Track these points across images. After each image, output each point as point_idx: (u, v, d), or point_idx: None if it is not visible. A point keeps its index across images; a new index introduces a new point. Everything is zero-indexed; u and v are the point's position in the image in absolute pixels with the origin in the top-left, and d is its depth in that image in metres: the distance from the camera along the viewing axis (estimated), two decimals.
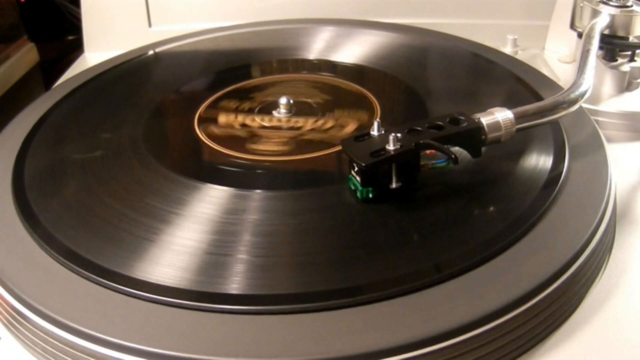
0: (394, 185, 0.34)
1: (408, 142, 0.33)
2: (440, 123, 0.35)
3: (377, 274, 0.30)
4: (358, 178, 0.34)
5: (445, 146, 0.33)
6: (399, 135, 0.34)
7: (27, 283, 0.30)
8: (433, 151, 0.34)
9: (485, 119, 0.35)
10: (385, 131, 0.34)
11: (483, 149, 0.35)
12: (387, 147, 0.33)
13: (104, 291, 0.30)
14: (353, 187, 0.34)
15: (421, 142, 0.33)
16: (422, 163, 0.34)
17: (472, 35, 0.57)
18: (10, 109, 0.51)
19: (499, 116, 0.35)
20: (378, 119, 0.37)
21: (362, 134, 0.35)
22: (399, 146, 0.33)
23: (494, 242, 0.31)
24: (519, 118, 0.36)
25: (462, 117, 0.35)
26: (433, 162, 0.34)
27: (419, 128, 0.35)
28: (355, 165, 0.34)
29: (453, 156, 0.33)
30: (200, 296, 0.29)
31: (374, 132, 0.35)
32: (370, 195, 0.34)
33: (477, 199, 0.35)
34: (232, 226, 0.33)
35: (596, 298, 0.32)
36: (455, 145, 0.35)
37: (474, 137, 0.35)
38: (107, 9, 0.66)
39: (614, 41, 0.49)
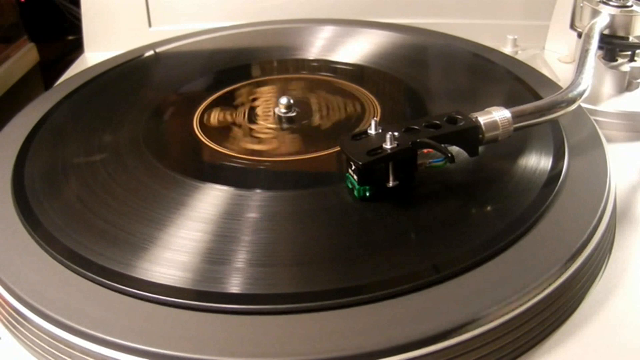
0: (391, 184, 0.34)
1: (405, 141, 0.33)
2: (437, 122, 0.35)
3: (377, 274, 0.30)
4: (355, 177, 0.34)
5: (443, 145, 0.33)
6: (396, 134, 0.34)
7: (27, 283, 0.31)
8: (430, 150, 0.34)
9: (482, 118, 0.35)
10: (382, 130, 0.34)
11: (480, 148, 0.35)
12: (384, 145, 0.33)
13: (104, 291, 0.30)
14: (350, 186, 0.34)
15: (418, 140, 0.33)
16: (419, 162, 0.34)
17: (472, 35, 0.57)
18: (10, 109, 0.51)
19: (496, 115, 0.35)
20: (375, 118, 0.37)
21: (359, 132, 0.35)
22: (396, 145, 0.33)
23: (493, 241, 0.31)
24: (516, 117, 0.36)
25: (460, 116, 0.35)
26: (430, 160, 0.34)
27: (416, 127, 0.35)
28: (352, 163, 0.34)
29: (450, 155, 0.33)
30: (200, 296, 0.29)
31: (371, 130, 0.35)
32: (367, 194, 0.34)
33: (475, 199, 0.35)
34: (232, 226, 0.33)
35: (596, 298, 0.32)
36: (453, 144, 0.35)
37: (471, 136, 0.35)
38: (107, 9, 0.66)
39: (613, 41, 0.49)
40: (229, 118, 0.45)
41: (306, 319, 0.28)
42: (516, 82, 0.48)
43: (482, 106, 0.36)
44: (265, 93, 0.49)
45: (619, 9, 0.48)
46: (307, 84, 0.50)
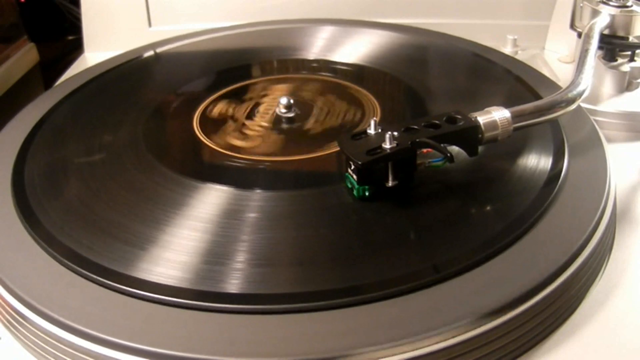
0: (390, 184, 0.34)
1: (404, 141, 0.33)
2: (437, 122, 0.35)
3: (377, 274, 0.30)
4: (355, 176, 0.34)
5: (442, 145, 0.33)
6: (395, 133, 0.34)
7: (27, 283, 0.31)
8: (430, 150, 0.34)
9: (482, 118, 0.35)
10: (382, 129, 0.34)
11: (480, 148, 0.35)
12: (383, 145, 0.33)
13: (104, 291, 0.30)
14: (350, 186, 0.34)
15: (417, 140, 0.33)
16: (418, 162, 0.34)
17: (472, 35, 0.57)
18: (10, 109, 0.51)
19: (496, 115, 0.35)
20: (375, 118, 0.37)
21: (358, 132, 0.35)
22: (395, 144, 0.33)
23: (493, 241, 0.31)
24: (516, 117, 0.36)
25: (459, 116, 0.35)
26: (430, 160, 0.35)
27: (416, 127, 0.35)
28: (351, 163, 0.34)
29: (449, 155, 0.33)
30: (200, 295, 0.29)
31: (371, 130, 0.35)
32: (367, 194, 0.34)
33: (475, 199, 0.35)
34: (232, 226, 0.33)
35: (596, 298, 0.32)
36: (452, 144, 0.35)
37: (470, 136, 0.35)
38: (107, 9, 0.66)
39: (613, 41, 0.49)
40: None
41: (306, 319, 0.28)
42: (516, 82, 0.48)
43: (482, 106, 0.36)
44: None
45: (619, 9, 0.48)
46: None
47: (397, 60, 0.53)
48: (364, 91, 0.48)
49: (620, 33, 0.49)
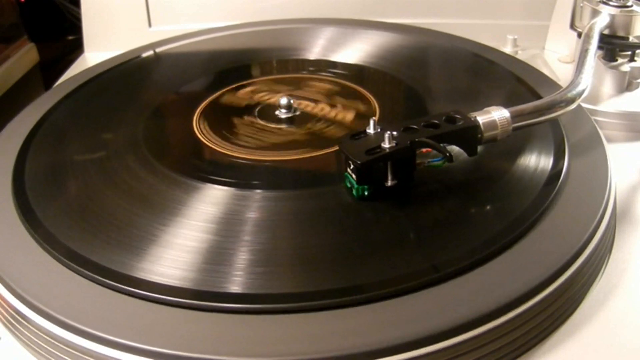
0: (389, 183, 0.34)
1: (404, 140, 0.33)
2: (436, 121, 0.35)
3: (377, 274, 0.30)
4: (354, 176, 0.34)
5: (441, 144, 0.33)
6: (394, 133, 0.34)
7: (27, 283, 0.31)
8: (429, 149, 0.34)
9: (481, 118, 0.35)
10: (381, 129, 0.34)
11: (480, 147, 0.35)
12: (382, 145, 0.33)
13: (104, 291, 0.30)
14: (349, 185, 0.34)
15: (417, 140, 0.33)
16: (418, 161, 0.34)
17: (472, 35, 0.57)
18: (10, 109, 0.51)
19: (495, 115, 0.35)
20: (374, 117, 0.37)
21: (358, 132, 0.35)
22: (394, 144, 0.33)
23: (493, 242, 0.31)
24: (515, 117, 0.36)
25: (459, 116, 0.35)
26: (429, 160, 0.34)
27: (415, 126, 0.35)
28: (351, 163, 0.34)
29: (448, 154, 0.33)
30: (200, 295, 0.29)
31: (370, 130, 0.35)
32: (366, 193, 0.34)
33: (475, 198, 0.35)
34: (232, 226, 0.33)
35: (596, 298, 0.32)
36: (452, 143, 0.35)
37: (470, 135, 0.35)
38: (107, 9, 0.66)
39: (613, 41, 0.49)
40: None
41: (306, 319, 0.28)
42: (516, 82, 0.48)
43: (482, 106, 0.36)
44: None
45: (619, 9, 0.48)
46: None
47: (397, 60, 0.53)
48: (364, 91, 0.48)
49: (620, 33, 0.49)
